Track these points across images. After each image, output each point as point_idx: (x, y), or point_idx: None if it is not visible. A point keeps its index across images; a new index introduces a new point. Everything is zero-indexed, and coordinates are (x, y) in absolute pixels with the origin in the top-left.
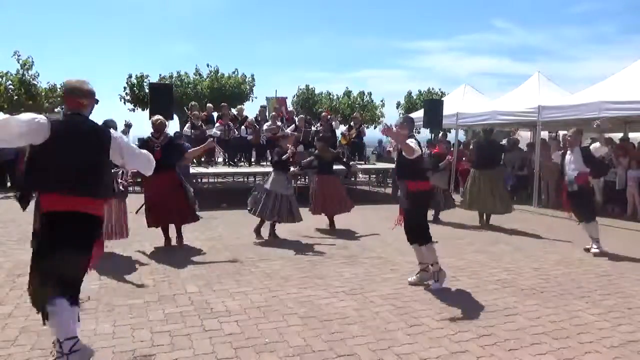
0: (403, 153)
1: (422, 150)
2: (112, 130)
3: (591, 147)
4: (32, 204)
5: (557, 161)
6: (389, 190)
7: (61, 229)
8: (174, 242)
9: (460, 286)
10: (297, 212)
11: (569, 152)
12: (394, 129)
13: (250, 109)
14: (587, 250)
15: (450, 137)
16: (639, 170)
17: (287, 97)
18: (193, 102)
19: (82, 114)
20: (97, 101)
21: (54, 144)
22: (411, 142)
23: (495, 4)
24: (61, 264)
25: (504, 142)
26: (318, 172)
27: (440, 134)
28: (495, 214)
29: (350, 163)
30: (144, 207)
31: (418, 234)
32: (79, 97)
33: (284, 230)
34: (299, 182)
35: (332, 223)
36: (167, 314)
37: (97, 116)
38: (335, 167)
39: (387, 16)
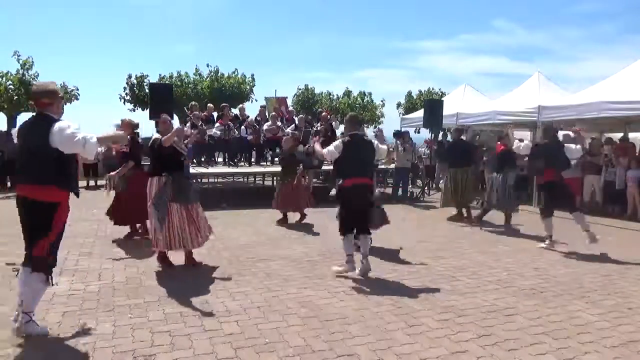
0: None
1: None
2: (58, 122)
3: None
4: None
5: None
6: (388, 190)
7: (20, 212)
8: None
9: (460, 286)
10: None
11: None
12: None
13: (250, 109)
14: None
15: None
16: (639, 170)
17: (287, 97)
18: (193, 102)
19: (46, 112)
20: (62, 98)
21: (18, 140)
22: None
23: (495, 4)
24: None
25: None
26: None
27: (440, 134)
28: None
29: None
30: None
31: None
32: (39, 97)
33: (284, 230)
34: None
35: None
36: (167, 314)
37: (98, 116)
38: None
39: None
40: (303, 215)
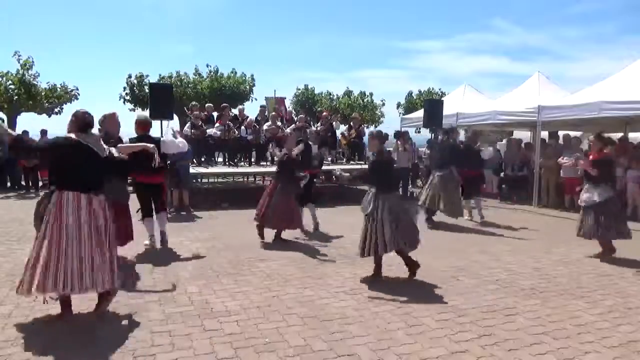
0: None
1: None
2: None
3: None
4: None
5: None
6: None
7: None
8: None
9: (460, 286)
10: None
11: None
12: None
13: (250, 109)
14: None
15: None
16: (639, 170)
17: (285, 98)
18: (193, 102)
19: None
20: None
21: None
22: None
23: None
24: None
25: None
26: None
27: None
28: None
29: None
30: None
31: None
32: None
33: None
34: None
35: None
36: (167, 314)
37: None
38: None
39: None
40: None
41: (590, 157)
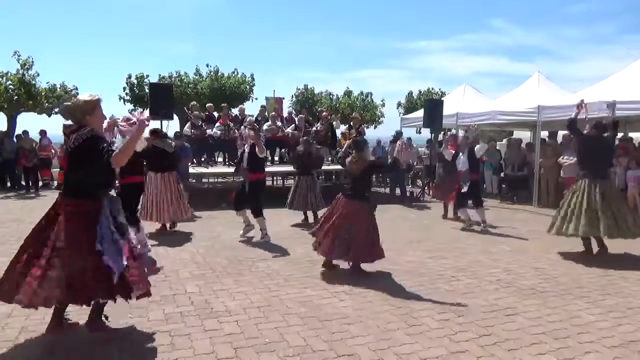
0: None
1: None
2: None
3: (475, 148)
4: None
5: (448, 158)
6: (388, 190)
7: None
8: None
9: (460, 286)
10: None
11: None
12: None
13: (250, 109)
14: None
15: None
16: (639, 170)
17: (284, 98)
18: (193, 102)
19: None
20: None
21: None
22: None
23: (493, 4)
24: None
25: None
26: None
27: (441, 134)
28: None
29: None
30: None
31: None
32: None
33: (283, 231)
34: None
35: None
36: (167, 314)
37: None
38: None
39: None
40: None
41: None
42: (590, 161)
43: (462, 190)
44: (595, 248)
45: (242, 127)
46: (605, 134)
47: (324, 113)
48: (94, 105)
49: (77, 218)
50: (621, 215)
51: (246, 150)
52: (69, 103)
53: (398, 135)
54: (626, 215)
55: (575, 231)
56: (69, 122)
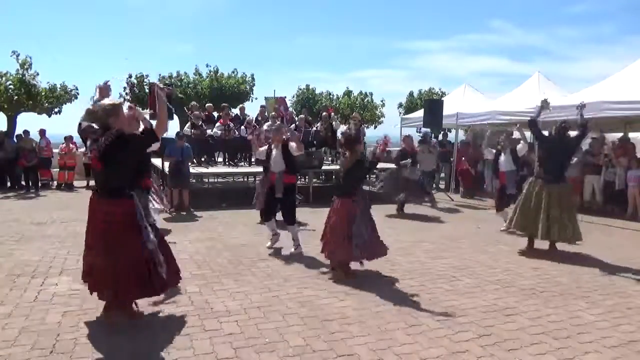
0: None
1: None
2: None
3: (517, 148)
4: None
5: (489, 157)
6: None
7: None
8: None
9: (460, 286)
10: None
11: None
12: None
13: (250, 109)
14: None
15: (451, 136)
16: (639, 170)
17: (285, 97)
18: (193, 102)
19: None
20: None
21: None
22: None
23: (493, 5)
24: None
25: None
26: None
27: (440, 135)
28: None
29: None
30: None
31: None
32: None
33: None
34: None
35: None
36: (167, 314)
37: None
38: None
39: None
40: None
41: None
42: (547, 162)
43: (508, 192)
44: (542, 245)
45: (264, 127)
46: (571, 135)
47: (325, 113)
48: (117, 108)
49: (119, 218)
50: (562, 221)
51: (274, 151)
52: (93, 108)
53: (426, 136)
54: (565, 221)
55: (516, 225)
56: (93, 126)
